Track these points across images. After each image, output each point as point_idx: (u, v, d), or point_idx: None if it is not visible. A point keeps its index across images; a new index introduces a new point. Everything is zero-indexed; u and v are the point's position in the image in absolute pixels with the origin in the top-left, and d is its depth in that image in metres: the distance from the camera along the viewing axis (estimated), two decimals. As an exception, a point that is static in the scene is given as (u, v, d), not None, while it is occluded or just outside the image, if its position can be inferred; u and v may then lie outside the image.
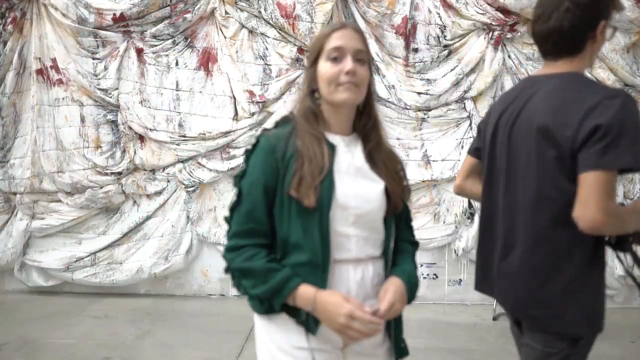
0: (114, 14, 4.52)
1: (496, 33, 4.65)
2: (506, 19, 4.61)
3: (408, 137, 4.78)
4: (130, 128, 4.67)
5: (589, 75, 4.71)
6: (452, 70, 4.71)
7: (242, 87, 4.68)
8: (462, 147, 4.72)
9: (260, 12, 4.63)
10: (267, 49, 4.70)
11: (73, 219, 4.71)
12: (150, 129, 4.65)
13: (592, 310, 1.54)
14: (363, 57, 1.44)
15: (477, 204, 4.66)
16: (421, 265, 4.82)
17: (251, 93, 4.67)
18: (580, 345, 1.54)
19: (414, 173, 4.71)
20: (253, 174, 1.39)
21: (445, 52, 4.73)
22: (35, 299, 4.68)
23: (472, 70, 4.70)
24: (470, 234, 4.67)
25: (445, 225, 4.73)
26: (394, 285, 1.41)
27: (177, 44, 4.71)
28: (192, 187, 4.71)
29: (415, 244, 1.61)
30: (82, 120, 4.68)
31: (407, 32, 4.69)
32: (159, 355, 3.50)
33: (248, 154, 1.44)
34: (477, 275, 1.81)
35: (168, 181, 4.77)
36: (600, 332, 1.57)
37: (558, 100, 1.49)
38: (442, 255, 4.83)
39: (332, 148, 1.42)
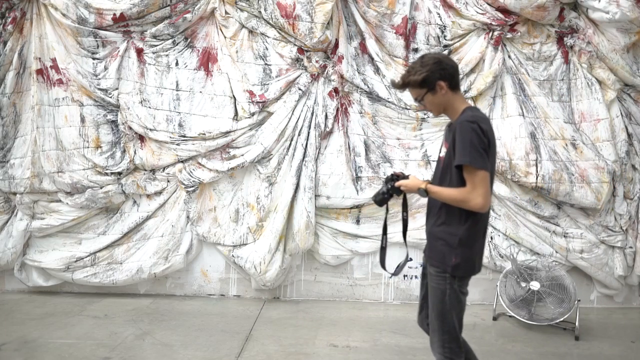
0: (114, 14, 4.52)
1: (496, 33, 4.65)
2: (506, 19, 4.61)
3: (408, 137, 4.78)
4: (130, 128, 4.67)
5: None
6: (452, 70, 4.71)
7: (242, 87, 4.68)
8: (462, 147, 4.71)
9: (260, 12, 4.63)
10: (267, 49, 4.70)
11: (73, 219, 4.71)
12: (150, 129, 4.65)
13: None
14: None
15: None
16: (421, 265, 4.82)
17: (251, 93, 4.67)
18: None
19: (413, 173, 4.70)
20: None
21: (445, 52, 4.73)
22: (35, 299, 4.68)
23: (472, 70, 4.70)
24: (470, 234, 4.66)
25: (445, 225, 4.72)
26: None
27: (177, 44, 4.71)
28: (192, 187, 4.71)
29: None
30: (82, 120, 4.68)
31: (407, 32, 4.69)
32: (158, 355, 3.50)
33: None
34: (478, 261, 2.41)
35: (168, 181, 4.77)
36: None
37: None
38: (442, 255, 4.82)
39: None
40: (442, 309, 2.34)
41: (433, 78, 2.32)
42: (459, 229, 2.30)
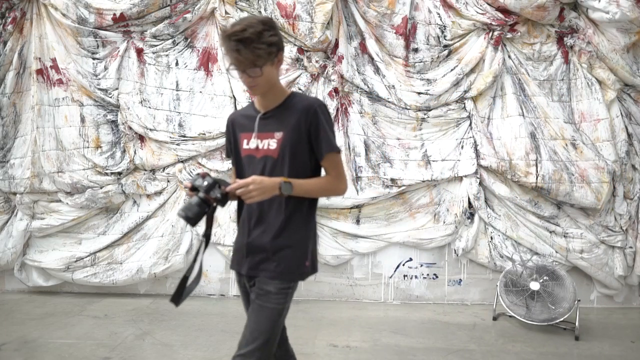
0: (114, 14, 4.52)
1: (496, 33, 4.65)
2: (506, 19, 4.61)
3: (408, 137, 4.78)
4: (130, 128, 4.67)
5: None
6: (452, 70, 4.71)
7: (242, 87, 4.68)
8: (462, 147, 4.72)
9: (260, 12, 4.63)
10: (267, 49, 4.70)
11: (73, 219, 4.71)
12: (150, 129, 4.65)
13: None
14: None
15: (476, 204, 4.66)
16: (421, 265, 4.83)
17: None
18: None
19: (413, 173, 4.71)
20: None
21: (445, 52, 4.73)
22: (35, 299, 4.68)
23: (472, 70, 4.70)
24: (470, 234, 4.67)
25: (445, 225, 4.73)
26: None
27: (177, 44, 4.72)
28: (192, 187, 4.70)
29: None
30: (82, 120, 4.68)
31: (407, 32, 4.69)
32: (158, 355, 3.50)
33: None
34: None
35: (168, 181, 4.77)
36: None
37: None
38: (442, 255, 4.83)
39: None
40: (273, 330, 1.97)
41: (280, 45, 1.89)
42: (306, 228, 2.03)
